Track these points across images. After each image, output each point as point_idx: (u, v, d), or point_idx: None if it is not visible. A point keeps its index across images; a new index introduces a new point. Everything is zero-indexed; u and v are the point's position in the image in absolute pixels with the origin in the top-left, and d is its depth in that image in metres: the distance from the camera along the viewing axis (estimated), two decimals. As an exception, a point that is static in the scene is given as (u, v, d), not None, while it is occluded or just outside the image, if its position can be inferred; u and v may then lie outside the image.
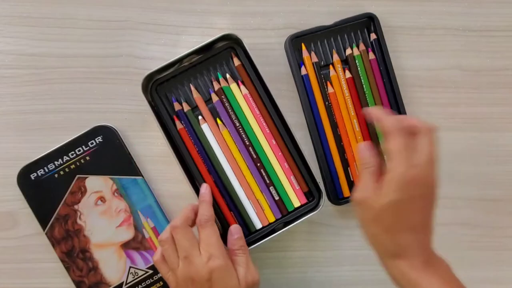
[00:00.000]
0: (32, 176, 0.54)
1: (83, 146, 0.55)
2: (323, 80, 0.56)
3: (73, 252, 0.55)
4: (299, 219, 0.53)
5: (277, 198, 0.55)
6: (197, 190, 0.53)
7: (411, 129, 0.44)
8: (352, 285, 0.58)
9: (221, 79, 0.54)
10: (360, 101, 0.56)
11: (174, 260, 0.47)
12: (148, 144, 0.56)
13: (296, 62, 0.56)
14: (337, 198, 0.56)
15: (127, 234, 0.55)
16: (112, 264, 0.55)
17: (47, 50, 0.56)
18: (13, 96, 0.56)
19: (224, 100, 0.54)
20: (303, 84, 0.56)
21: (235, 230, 0.50)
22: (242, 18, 0.57)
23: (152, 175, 0.56)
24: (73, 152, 0.55)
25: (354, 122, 0.56)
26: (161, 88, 0.54)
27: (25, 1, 0.56)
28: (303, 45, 0.56)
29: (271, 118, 0.54)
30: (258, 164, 0.54)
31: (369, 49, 0.56)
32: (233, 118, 0.54)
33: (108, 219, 0.55)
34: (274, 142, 0.54)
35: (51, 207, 0.55)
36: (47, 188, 0.54)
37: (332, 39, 0.56)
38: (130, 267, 0.55)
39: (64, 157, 0.55)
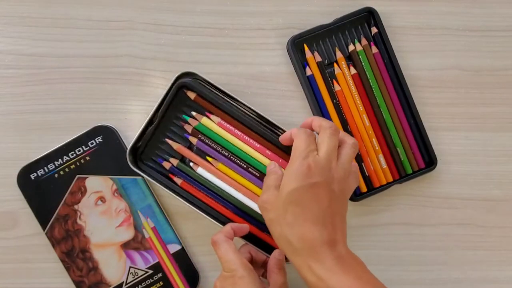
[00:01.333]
0: (32, 176, 0.54)
1: (83, 146, 0.55)
2: (329, 79, 0.56)
3: (73, 252, 0.55)
4: None
5: None
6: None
7: (318, 129, 0.47)
8: (352, 285, 0.58)
9: (189, 119, 0.54)
10: (367, 96, 0.56)
11: None
12: (148, 144, 0.56)
13: (300, 63, 0.56)
14: (354, 194, 0.56)
15: (127, 234, 0.55)
16: (112, 264, 0.55)
17: (47, 50, 0.56)
18: (13, 96, 0.56)
19: (203, 137, 0.54)
20: (309, 85, 0.56)
21: (279, 252, 0.50)
22: (242, 18, 0.57)
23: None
24: (73, 152, 0.55)
25: (364, 117, 0.56)
26: (145, 156, 0.54)
27: (25, 1, 0.56)
28: (305, 45, 0.56)
29: (253, 131, 0.53)
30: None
31: (372, 43, 0.56)
32: (220, 150, 0.54)
33: (108, 219, 0.55)
34: (269, 152, 0.54)
35: (51, 207, 0.55)
36: (47, 188, 0.54)
37: (333, 36, 0.56)
38: (130, 267, 0.55)
39: (64, 157, 0.55)
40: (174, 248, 0.55)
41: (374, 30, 0.56)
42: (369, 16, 0.56)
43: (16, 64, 0.56)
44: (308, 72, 0.56)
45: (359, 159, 0.56)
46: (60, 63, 0.56)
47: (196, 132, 0.54)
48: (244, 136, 0.54)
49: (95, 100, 0.56)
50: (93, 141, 0.55)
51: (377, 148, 0.56)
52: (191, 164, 0.54)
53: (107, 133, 0.55)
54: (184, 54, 0.57)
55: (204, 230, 0.55)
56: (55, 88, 0.56)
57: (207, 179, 0.54)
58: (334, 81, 0.56)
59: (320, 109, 0.56)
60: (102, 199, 0.55)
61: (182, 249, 0.56)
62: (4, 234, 0.56)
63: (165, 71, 0.56)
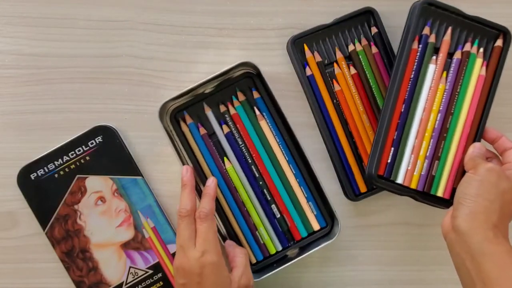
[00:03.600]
0: (32, 176, 0.54)
1: (83, 146, 0.55)
2: (329, 79, 0.56)
3: (73, 252, 0.55)
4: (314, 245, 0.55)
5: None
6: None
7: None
8: (352, 285, 0.58)
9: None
10: (367, 96, 0.56)
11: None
12: (148, 144, 0.56)
13: (300, 63, 0.56)
14: (354, 195, 0.56)
15: (127, 234, 0.55)
16: (112, 264, 0.55)
17: (47, 50, 0.56)
18: (13, 96, 0.56)
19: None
20: (309, 85, 0.56)
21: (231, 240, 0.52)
22: (242, 18, 0.57)
23: (152, 175, 0.56)
24: (73, 152, 0.55)
25: (363, 117, 0.56)
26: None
27: (25, 1, 0.56)
28: (305, 45, 0.56)
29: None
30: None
31: (372, 43, 0.56)
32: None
33: (108, 219, 0.55)
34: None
35: (51, 207, 0.55)
36: (47, 188, 0.54)
37: (333, 36, 0.56)
38: (130, 267, 0.55)
39: (64, 157, 0.55)
40: (174, 248, 0.55)
41: (374, 30, 0.56)
42: (369, 16, 0.56)
43: (16, 64, 0.56)
44: (308, 72, 0.56)
45: (358, 159, 0.56)
46: (60, 63, 0.56)
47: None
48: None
49: (95, 100, 0.56)
50: (93, 141, 0.55)
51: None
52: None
53: (107, 133, 0.55)
54: (184, 54, 0.57)
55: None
56: (55, 88, 0.56)
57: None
58: (334, 81, 0.56)
59: (320, 109, 0.56)
60: (102, 199, 0.55)
61: (182, 249, 0.56)
62: (4, 234, 0.56)
63: (165, 71, 0.56)
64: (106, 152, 0.55)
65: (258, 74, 0.54)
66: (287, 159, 0.55)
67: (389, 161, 0.52)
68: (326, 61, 0.56)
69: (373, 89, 0.56)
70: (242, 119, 0.55)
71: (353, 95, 0.56)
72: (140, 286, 0.55)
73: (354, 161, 0.56)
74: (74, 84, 0.56)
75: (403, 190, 0.53)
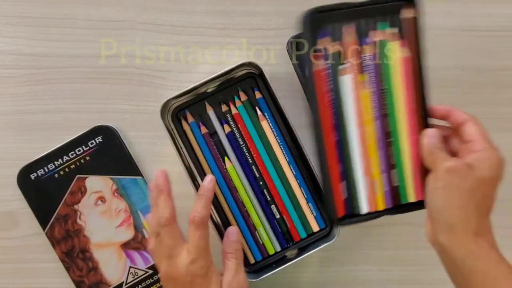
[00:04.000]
0: (32, 176, 0.54)
1: (83, 146, 0.55)
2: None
3: (73, 252, 0.55)
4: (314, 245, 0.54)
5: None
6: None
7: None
8: (352, 285, 0.58)
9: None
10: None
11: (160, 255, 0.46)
12: (148, 144, 0.56)
13: (300, 63, 0.56)
14: None
15: (127, 234, 0.55)
16: (112, 264, 0.55)
17: (47, 50, 0.56)
18: (13, 96, 0.56)
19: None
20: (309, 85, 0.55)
21: (232, 232, 0.49)
22: (242, 18, 0.57)
23: (152, 175, 0.56)
24: (73, 152, 0.55)
25: None
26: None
27: (25, 1, 0.56)
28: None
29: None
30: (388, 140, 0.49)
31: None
32: (380, 81, 0.48)
33: (108, 219, 0.55)
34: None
35: (51, 207, 0.55)
36: (47, 188, 0.54)
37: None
38: (130, 267, 0.55)
39: (64, 157, 0.55)
40: (174, 248, 0.55)
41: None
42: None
43: (16, 64, 0.56)
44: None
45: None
46: (60, 63, 0.56)
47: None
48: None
49: (95, 100, 0.56)
50: (93, 141, 0.55)
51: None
52: (339, 68, 0.48)
53: (107, 133, 0.55)
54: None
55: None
56: (55, 88, 0.56)
57: (343, 91, 0.48)
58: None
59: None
60: (102, 199, 0.55)
61: (182, 249, 0.56)
62: (4, 234, 0.56)
63: (165, 71, 0.56)
64: (106, 152, 0.55)
65: (261, 75, 0.54)
66: (287, 159, 0.55)
67: (345, 197, 0.49)
68: (326, 61, 0.56)
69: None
70: (243, 119, 0.55)
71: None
72: (140, 286, 0.55)
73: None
74: (74, 84, 0.56)
75: (373, 216, 0.50)
